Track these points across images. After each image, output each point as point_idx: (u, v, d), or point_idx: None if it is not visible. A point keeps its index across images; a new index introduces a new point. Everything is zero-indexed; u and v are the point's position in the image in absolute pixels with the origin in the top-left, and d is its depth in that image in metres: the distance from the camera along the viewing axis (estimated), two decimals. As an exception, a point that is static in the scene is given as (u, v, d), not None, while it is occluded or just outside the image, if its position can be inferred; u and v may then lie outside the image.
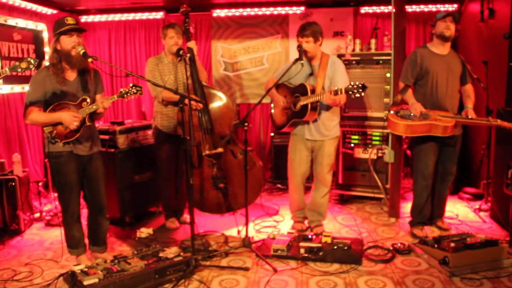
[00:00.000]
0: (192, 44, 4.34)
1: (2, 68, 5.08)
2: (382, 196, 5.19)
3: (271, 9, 6.46)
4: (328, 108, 4.12)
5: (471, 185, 5.55)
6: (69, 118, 3.34)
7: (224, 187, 4.37)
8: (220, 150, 4.29)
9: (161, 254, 3.63)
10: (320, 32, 4.09)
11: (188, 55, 4.14)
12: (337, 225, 4.64)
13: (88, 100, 3.45)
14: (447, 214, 4.64)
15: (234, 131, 4.30)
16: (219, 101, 4.38)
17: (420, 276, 3.46)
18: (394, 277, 3.44)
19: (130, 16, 6.74)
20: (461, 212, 4.93)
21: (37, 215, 5.00)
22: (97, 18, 6.79)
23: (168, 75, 4.41)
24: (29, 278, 3.61)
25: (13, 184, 4.56)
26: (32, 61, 3.10)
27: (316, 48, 4.08)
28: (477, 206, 5.01)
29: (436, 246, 3.67)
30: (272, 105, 4.46)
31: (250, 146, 4.32)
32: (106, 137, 4.62)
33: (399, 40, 4.62)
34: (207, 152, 4.29)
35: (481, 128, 5.32)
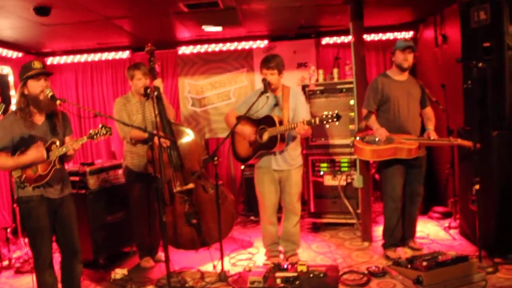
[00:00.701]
0: (158, 82, 4.40)
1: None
2: (354, 221, 5.26)
3: (236, 44, 6.61)
4: (293, 138, 4.21)
5: (439, 204, 5.70)
6: (35, 152, 3.31)
7: (197, 222, 4.37)
8: (191, 186, 4.31)
9: (137, 294, 3.58)
10: (282, 64, 4.21)
11: (155, 93, 4.20)
12: (312, 253, 4.68)
13: (58, 143, 3.44)
14: (418, 234, 4.74)
15: (204, 166, 4.33)
16: (187, 137, 4.42)
17: (396, 297, 3.51)
18: (371, 301, 3.49)
19: (96, 57, 6.79)
20: (431, 231, 5.05)
21: (5, 262, 4.86)
22: (63, 59, 6.81)
23: (136, 114, 4.45)
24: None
25: (-19, 232, 4.45)
26: None
27: (279, 80, 4.21)
28: (447, 224, 5.15)
29: (409, 266, 3.74)
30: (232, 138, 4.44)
31: (220, 180, 4.35)
32: (76, 178, 4.58)
33: (360, 68, 4.80)
34: (178, 188, 4.30)
35: (444, 148, 5.51)
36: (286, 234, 4.42)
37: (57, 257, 3.76)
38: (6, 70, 5.93)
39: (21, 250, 5.09)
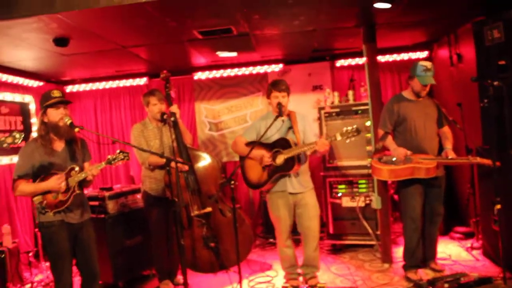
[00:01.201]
0: (174, 108, 4.46)
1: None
2: (374, 242, 5.21)
3: (251, 68, 6.69)
4: (305, 160, 4.22)
5: (461, 224, 5.61)
6: (54, 182, 3.39)
7: (215, 246, 4.37)
8: (208, 209, 4.34)
9: (156, 318, 3.58)
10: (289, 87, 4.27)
11: (172, 118, 4.28)
12: (331, 275, 4.63)
13: (77, 168, 3.51)
14: (439, 255, 4.67)
15: (221, 190, 4.35)
16: (204, 161, 4.46)
17: (417, 320, 3.45)
18: (392, 324, 3.43)
19: (115, 84, 6.93)
20: (453, 252, 4.96)
21: (28, 286, 4.91)
22: (82, 87, 6.96)
23: (153, 140, 4.52)
24: None
25: (3, 256, 4.52)
26: (17, 135, 3.12)
27: (288, 103, 4.24)
28: (469, 245, 5.05)
29: (431, 288, 3.69)
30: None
31: (239, 203, 4.36)
32: (96, 203, 4.64)
33: (375, 90, 4.82)
34: (196, 212, 4.32)
35: (464, 167, 5.44)
36: (307, 259, 4.36)
37: (77, 280, 3.79)
38: (28, 98, 6.09)
39: (43, 274, 5.14)
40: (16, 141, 3.15)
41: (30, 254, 5.32)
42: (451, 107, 4.87)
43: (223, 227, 4.39)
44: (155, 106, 4.50)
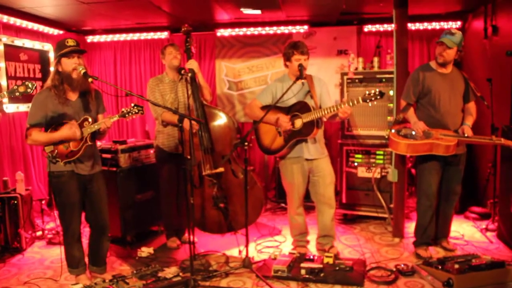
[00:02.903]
0: (192, 63, 4.34)
1: (8, 88, 5.15)
2: (386, 215, 5.12)
3: (275, 28, 6.50)
4: (321, 126, 4.11)
5: (477, 204, 5.46)
6: (68, 130, 3.36)
7: (225, 207, 4.34)
8: (220, 169, 4.28)
9: (160, 274, 3.61)
10: None
11: (189, 74, 4.18)
12: (340, 245, 4.57)
13: (90, 119, 3.47)
14: (452, 234, 4.56)
15: (235, 150, 4.27)
16: (219, 120, 4.37)
17: (423, 298, 3.39)
18: (396, 299, 3.37)
19: (135, 36, 6.83)
20: (467, 232, 4.85)
21: (39, 233, 5.00)
22: (102, 38, 6.89)
23: (169, 93, 4.44)
24: (26, 298, 3.60)
25: (16, 202, 4.58)
26: (29, 85, 3.15)
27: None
28: (484, 226, 4.92)
29: (440, 267, 3.59)
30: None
31: (253, 166, 4.29)
32: (108, 156, 4.62)
33: (402, 58, 4.61)
34: (208, 171, 4.27)
35: (487, 146, 5.26)
36: (323, 229, 4.30)
37: (86, 232, 3.82)
38: (47, 46, 6.05)
39: (54, 222, 5.22)
40: (28, 90, 3.17)
41: (43, 202, 5.40)
42: (480, 82, 4.65)
43: (234, 188, 4.34)
44: (171, 54, 4.43)
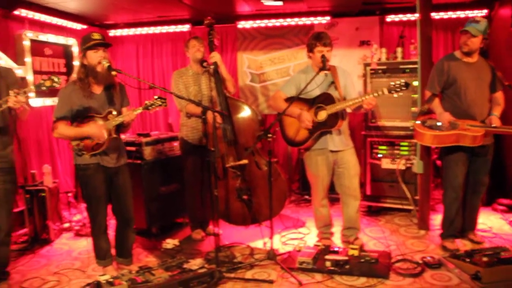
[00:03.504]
0: (215, 56, 4.34)
1: (34, 83, 5.23)
2: (411, 207, 5.06)
3: (296, 19, 6.45)
4: (345, 117, 4.08)
5: (506, 196, 5.34)
6: (96, 129, 3.41)
7: (248, 199, 4.34)
8: (244, 161, 4.28)
9: (185, 266, 3.64)
10: None
11: (212, 67, 4.19)
12: (365, 237, 4.54)
13: (114, 112, 3.50)
14: (480, 226, 4.49)
15: (258, 142, 4.26)
16: (243, 112, 4.37)
17: (451, 291, 3.34)
18: (423, 292, 3.34)
19: (157, 30, 6.86)
20: (495, 225, 4.76)
21: (66, 225, 5.09)
22: (125, 32, 6.93)
23: (192, 85, 4.46)
24: (57, 287, 3.68)
25: (43, 194, 4.67)
26: (55, 79, 3.20)
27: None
28: (512, 218, 4.84)
29: (468, 260, 3.54)
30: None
31: (276, 158, 4.29)
32: (133, 148, 4.67)
33: (426, 48, 4.54)
34: (231, 163, 4.28)
35: (516, 136, 5.15)
36: (348, 221, 4.28)
37: (112, 224, 3.87)
38: (71, 41, 6.11)
39: (81, 214, 5.30)
40: (54, 84, 3.23)
41: (70, 194, 5.50)
42: (508, 71, 4.54)
43: (257, 180, 4.34)
44: (194, 47, 4.45)
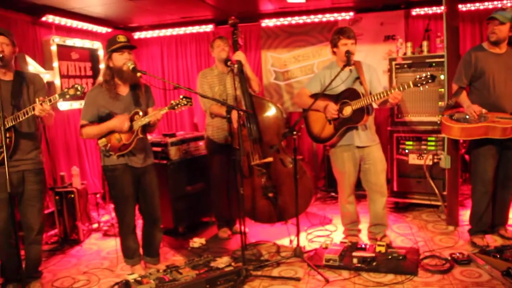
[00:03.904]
0: (239, 54, 4.36)
1: (61, 87, 5.36)
2: (439, 203, 4.98)
3: (320, 16, 6.41)
4: (372, 112, 4.03)
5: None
6: (117, 121, 3.46)
7: (274, 196, 4.35)
8: (269, 159, 4.29)
9: (212, 264, 3.66)
10: None
11: (236, 65, 4.21)
12: (392, 234, 4.49)
13: (141, 113, 3.54)
14: (511, 221, 4.38)
15: (284, 140, 4.26)
16: (268, 111, 4.38)
17: (481, 288, 3.27)
18: (453, 289, 3.28)
19: (181, 31, 6.91)
20: (526, 219, 4.65)
21: (95, 225, 5.19)
22: (149, 34, 7.02)
23: (218, 85, 4.50)
24: (86, 286, 3.77)
25: (72, 196, 4.77)
26: (79, 87, 3.28)
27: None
28: (545, 213, 4.70)
29: (498, 256, 3.48)
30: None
31: (302, 155, 4.28)
32: (159, 149, 4.73)
33: (452, 41, 4.45)
34: (257, 161, 4.29)
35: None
36: (375, 218, 4.23)
37: (140, 224, 3.93)
38: (97, 45, 6.23)
39: (109, 215, 5.40)
40: (77, 93, 3.30)
41: (98, 195, 5.60)
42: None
43: (283, 178, 4.34)
44: (219, 47, 4.48)
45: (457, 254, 3.74)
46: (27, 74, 3.65)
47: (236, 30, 4.43)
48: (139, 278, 3.39)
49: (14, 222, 3.07)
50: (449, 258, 3.74)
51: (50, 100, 3.25)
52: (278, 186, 4.36)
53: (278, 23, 6.61)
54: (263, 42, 6.82)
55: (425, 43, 5.15)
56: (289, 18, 6.52)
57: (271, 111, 4.38)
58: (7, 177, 2.91)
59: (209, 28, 6.79)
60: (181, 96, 3.52)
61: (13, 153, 3.39)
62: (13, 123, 3.28)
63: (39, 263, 3.83)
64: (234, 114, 3.88)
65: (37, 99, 3.25)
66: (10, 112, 3.32)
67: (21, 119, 3.28)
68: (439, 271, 3.55)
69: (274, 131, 4.36)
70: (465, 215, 4.72)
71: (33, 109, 3.23)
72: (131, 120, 3.50)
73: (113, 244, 4.51)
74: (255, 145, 4.33)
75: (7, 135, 3.29)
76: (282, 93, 6.86)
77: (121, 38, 3.53)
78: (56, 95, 3.28)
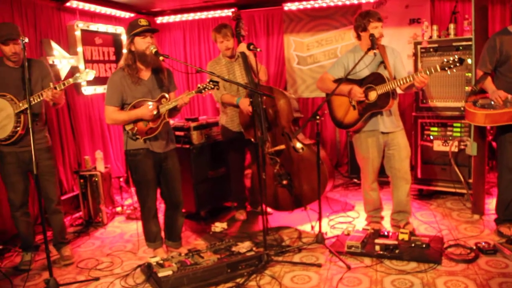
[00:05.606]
0: (242, 47, 4.38)
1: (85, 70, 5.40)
2: (464, 191, 4.88)
3: (343, -1, 6.30)
4: (397, 97, 3.96)
5: None
6: (146, 109, 3.47)
7: (288, 183, 4.32)
8: (281, 147, 4.28)
9: (233, 249, 3.67)
10: None
11: (237, 57, 4.45)
12: (416, 221, 4.43)
13: (167, 96, 3.55)
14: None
15: (294, 126, 4.24)
16: (277, 98, 4.36)
17: (508, 279, 3.19)
18: (477, 279, 3.21)
19: (203, 15, 6.89)
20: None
21: (118, 209, 5.26)
22: (171, 18, 7.01)
23: (227, 75, 4.51)
24: (110, 268, 3.83)
25: (96, 179, 4.83)
26: (90, 72, 3.62)
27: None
28: None
29: (525, 246, 3.40)
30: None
31: (313, 140, 4.26)
32: (181, 133, 4.75)
33: (481, 23, 4.31)
34: (270, 149, 4.28)
35: None
36: (398, 205, 4.16)
37: (162, 208, 3.96)
38: (120, 29, 6.24)
39: (132, 199, 5.46)
40: (89, 77, 3.65)
41: (121, 179, 5.66)
42: None
43: (296, 164, 4.31)
44: (222, 44, 4.49)
45: (483, 244, 3.66)
46: (33, 61, 3.81)
47: (240, 23, 4.46)
48: (161, 261, 3.43)
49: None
50: (474, 247, 3.66)
51: (64, 84, 3.53)
52: (292, 173, 4.33)
53: (301, 7, 6.53)
54: (285, 26, 6.74)
55: (452, 26, 5.01)
56: (312, 2, 6.43)
57: (280, 99, 4.36)
58: (33, 153, 3.20)
59: (231, 12, 6.72)
60: (208, 80, 3.50)
61: (26, 134, 3.63)
62: (27, 105, 3.39)
63: (64, 230, 4.09)
64: (244, 104, 3.99)
65: (51, 84, 3.54)
66: (22, 96, 3.57)
67: (34, 101, 3.55)
68: (464, 260, 3.49)
69: (284, 118, 4.34)
70: (491, 203, 4.63)
71: (42, 95, 3.53)
72: (158, 104, 3.50)
73: (136, 227, 4.56)
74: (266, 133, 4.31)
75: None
76: (305, 78, 6.79)
77: (143, 22, 3.52)
78: (70, 79, 3.56)
